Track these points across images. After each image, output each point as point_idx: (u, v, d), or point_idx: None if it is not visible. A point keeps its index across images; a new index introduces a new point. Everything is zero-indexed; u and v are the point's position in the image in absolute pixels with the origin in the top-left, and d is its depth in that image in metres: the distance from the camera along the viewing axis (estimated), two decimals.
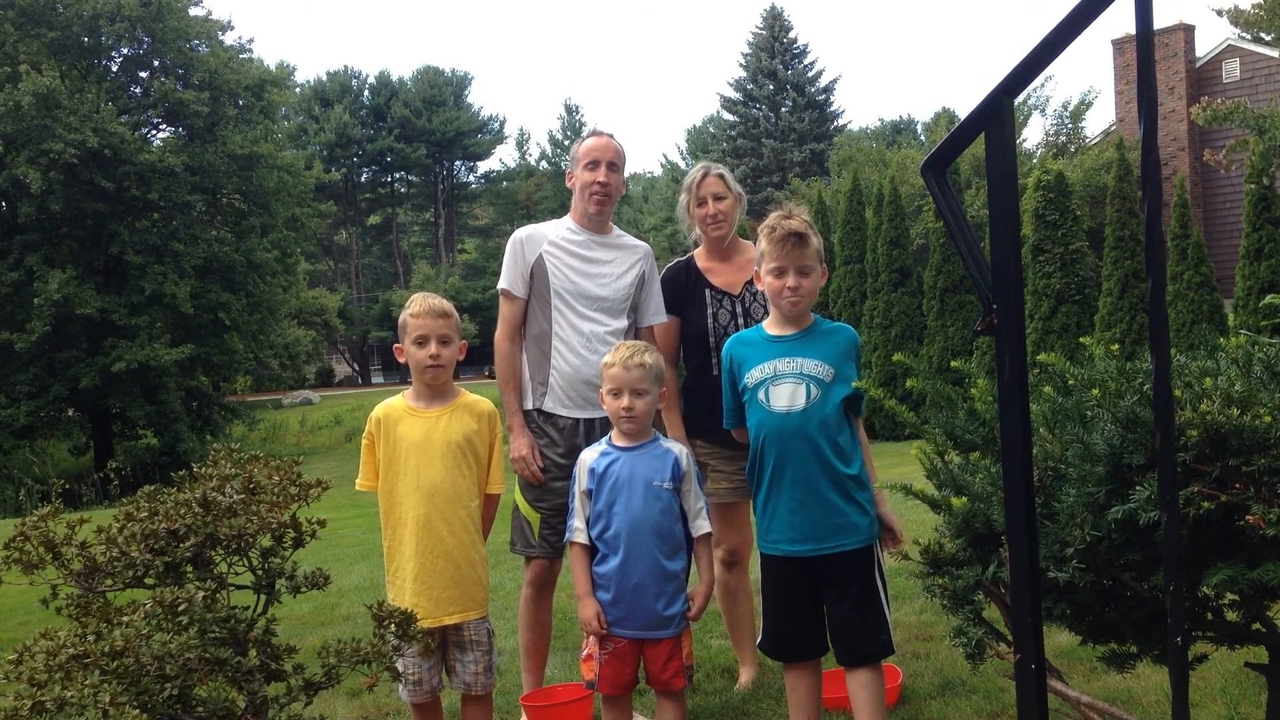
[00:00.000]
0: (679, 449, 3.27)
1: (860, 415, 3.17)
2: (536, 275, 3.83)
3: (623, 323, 3.87)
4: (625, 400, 3.17)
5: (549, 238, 3.87)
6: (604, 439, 3.32)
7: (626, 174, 4.24)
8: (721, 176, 3.99)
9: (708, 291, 3.96)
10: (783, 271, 3.08)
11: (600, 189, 3.84)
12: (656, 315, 3.96)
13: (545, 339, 3.81)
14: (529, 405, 3.82)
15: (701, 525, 3.23)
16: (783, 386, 3.06)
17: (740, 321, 3.89)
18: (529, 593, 3.82)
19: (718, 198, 3.95)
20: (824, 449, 3.02)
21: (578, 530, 3.23)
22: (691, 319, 3.97)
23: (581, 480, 3.24)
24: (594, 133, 4.01)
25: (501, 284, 3.88)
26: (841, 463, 3.03)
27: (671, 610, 3.17)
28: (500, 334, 3.86)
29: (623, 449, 3.22)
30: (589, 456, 3.26)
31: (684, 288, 4.00)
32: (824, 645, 3.16)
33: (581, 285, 3.82)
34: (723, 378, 3.29)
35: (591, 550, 3.23)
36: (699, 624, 4.84)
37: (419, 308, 3.28)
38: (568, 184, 4.00)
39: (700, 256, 4.06)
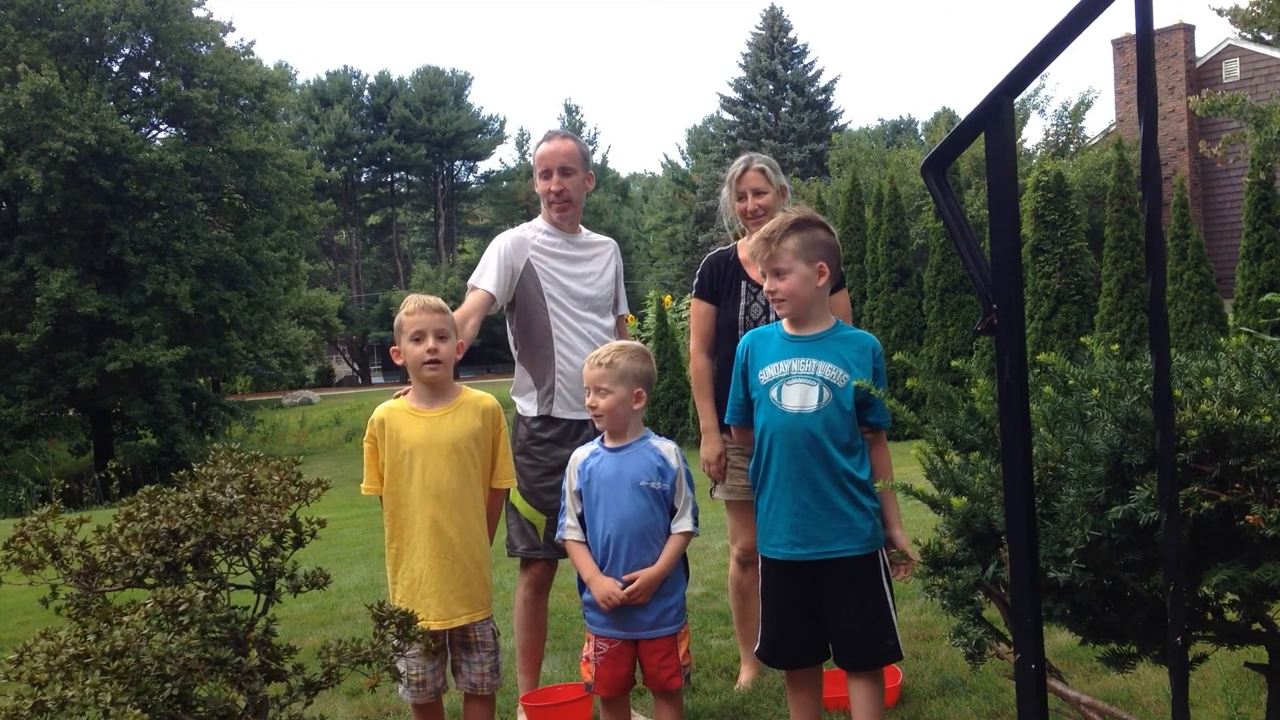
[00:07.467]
0: (668, 446, 3.24)
1: (885, 425, 3.09)
2: (528, 280, 3.80)
3: (610, 320, 3.93)
4: (590, 397, 3.19)
5: (531, 242, 3.86)
6: (596, 439, 3.32)
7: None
8: (763, 170, 3.91)
9: (744, 283, 3.92)
10: (763, 275, 3.09)
11: (557, 197, 3.84)
12: (623, 306, 4.05)
13: (547, 344, 3.79)
14: (535, 412, 3.80)
15: (684, 524, 3.17)
16: (795, 386, 3.02)
17: (772, 317, 3.87)
18: (527, 594, 3.82)
19: (758, 193, 3.89)
20: (831, 451, 2.98)
21: (570, 528, 3.21)
22: (725, 309, 3.94)
23: (572, 480, 3.23)
24: (546, 136, 3.92)
25: (482, 282, 3.73)
26: (849, 467, 2.99)
27: (662, 609, 3.15)
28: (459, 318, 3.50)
29: (611, 449, 3.20)
30: (580, 455, 3.26)
31: (723, 276, 3.97)
32: (825, 652, 3.12)
33: (572, 288, 3.84)
34: (734, 370, 3.23)
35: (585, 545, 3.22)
36: (699, 624, 4.84)
37: (413, 305, 3.26)
38: (535, 188, 3.98)
39: (743, 247, 4.01)
